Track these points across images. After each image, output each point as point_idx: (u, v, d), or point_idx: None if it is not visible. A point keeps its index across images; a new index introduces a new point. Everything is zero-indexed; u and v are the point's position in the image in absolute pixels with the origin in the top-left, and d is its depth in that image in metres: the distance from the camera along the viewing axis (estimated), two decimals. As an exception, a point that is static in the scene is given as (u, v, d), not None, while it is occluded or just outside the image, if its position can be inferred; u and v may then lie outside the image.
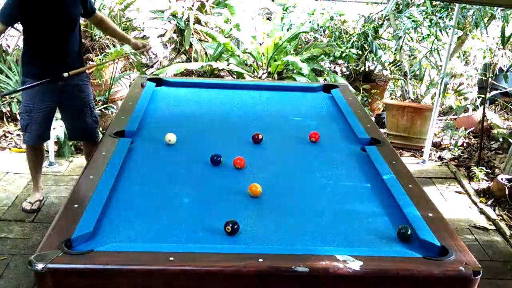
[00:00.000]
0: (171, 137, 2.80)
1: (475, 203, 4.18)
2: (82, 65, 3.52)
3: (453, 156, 5.08)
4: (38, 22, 3.22)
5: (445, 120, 5.67)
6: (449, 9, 5.18)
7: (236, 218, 1.98)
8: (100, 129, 4.20)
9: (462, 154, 5.13)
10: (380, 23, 5.99)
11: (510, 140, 4.94)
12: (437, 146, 5.30)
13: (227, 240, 1.93)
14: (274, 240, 1.97)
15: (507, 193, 4.10)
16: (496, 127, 5.42)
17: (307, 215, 2.18)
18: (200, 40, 6.26)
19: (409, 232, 1.97)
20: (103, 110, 4.92)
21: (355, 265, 1.75)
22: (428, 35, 5.56)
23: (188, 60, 6.34)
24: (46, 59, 3.32)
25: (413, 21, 5.37)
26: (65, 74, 3.28)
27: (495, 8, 4.94)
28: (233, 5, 6.01)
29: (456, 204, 4.20)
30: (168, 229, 2.01)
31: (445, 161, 5.02)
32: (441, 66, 5.08)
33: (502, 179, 4.21)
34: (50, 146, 4.33)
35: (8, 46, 5.71)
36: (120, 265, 1.74)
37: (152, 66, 6.43)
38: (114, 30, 3.75)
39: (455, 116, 5.66)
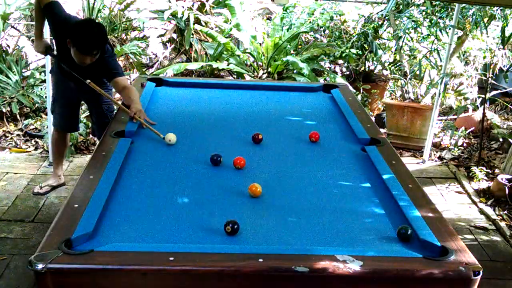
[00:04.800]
0: (171, 137, 2.80)
1: (475, 203, 4.18)
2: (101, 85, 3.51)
3: (453, 156, 5.08)
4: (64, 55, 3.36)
5: (445, 120, 5.67)
6: (449, 9, 5.17)
7: (236, 218, 1.99)
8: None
9: (462, 154, 5.13)
10: (380, 23, 5.99)
11: (510, 140, 4.94)
12: (437, 146, 5.30)
13: (227, 240, 1.93)
14: (274, 240, 1.97)
15: (507, 193, 4.10)
16: (496, 127, 5.42)
17: (307, 215, 2.18)
18: (200, 40, 6.26)
19: (409, 232, 1.98)
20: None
21: (355, 265, 1.75)
22: (428, 35, 5.55)
23: (188, 60, 6.34)
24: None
25: (413, 21, 5.37)
26: (88, 81, 3.31)
27: (495, 8, 4.94)
28: (233, 5, 6.00)
29: (456, 204, 4.19)
30: (168, 229, 2.01)
31: (445, 161, 5.02)
32: (441, 66, 5.08)
33: (502, 179, 4.21)
34: (50, 146, 4.33)
35: (8, 46, 5.71)
36: (120, 265, 1.74)
37: (152, 66, 6.43)
38: (129, 99, 3.23)
39: (455, 116, 5.66)
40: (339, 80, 5.48)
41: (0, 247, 3.27)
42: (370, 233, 2.05)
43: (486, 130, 5.41)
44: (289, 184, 2.46)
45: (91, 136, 4.77)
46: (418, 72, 5.56)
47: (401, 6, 5.54)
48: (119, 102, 3.37)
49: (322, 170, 2.62)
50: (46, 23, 3.52)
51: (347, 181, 2.52)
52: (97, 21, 4.10)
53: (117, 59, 3.80)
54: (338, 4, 6.39)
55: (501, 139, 5.19)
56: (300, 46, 6.28)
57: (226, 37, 5.90)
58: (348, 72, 6.14)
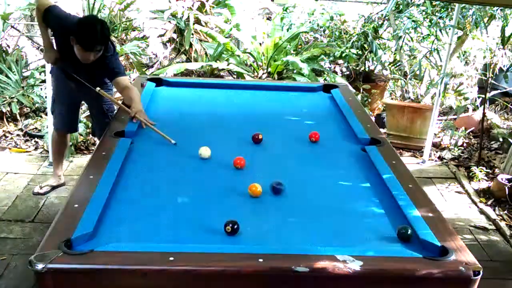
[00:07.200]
0: (204, 151, 2.63)
1: (475, 203, 4.18)
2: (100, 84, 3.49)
3: (453, 156, 5.08)
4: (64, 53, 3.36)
5: (445, 120, 5.67)
6: (449, 9, 5.17)
7: (236, 218, 1.98)
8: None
9: (462, 154, 5.13)
10: (380, 23, 5.99)
11: (510, 140, 4.94)
12: (437, 146, 5.30)
13: (227, 240, 1.93)
14: (274, 240, 1.97)
15: (507, 193, 4.09)
16: (496, 127, 5.42)
17: (307, 215, 2.18)
18: (200, 40, 6.25)
19: (409, 232, 1.98)
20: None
21: (355, 265, 1.75)
22: (428, 35, 5.56)
23: (188, 60, 6.34)
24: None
25: (413, 21, 5.37)
26: (97, 89, 3.29)
27: (495, 8, 4.94)
28: (233, 5, 6.00)
29: (456, 204, 4.19)
30: (168, 229, 2.02)
31: (445, 161, 5.02)
32: (441, 66, 5.08)
33: (502, 179, 4.21)
34: (50, 146, 4.33)
35: (8, 46, 5.70)
36: (120, 265, 1.74)
37: (152, 66, 6.43)
38: (130, 99, 3.21)
39: (455, 116, 5.66)
40: (339, 80, 5.47)
41: (0, 247, 3.27)
42: (370, 233, 2.05)
43: (486, 130, 5.40)
44: (289, 184, 2.45)
45: (91, 136, 4.77)
46: (418, 72, 5.56)
47: (401, 6, 5.54)
48: (119, 102, 3.37)
49: (322, 170, 2.62)
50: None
51: (347, 181, 2.52)
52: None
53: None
54: (338, 4, 6.39)
55: (501, 139, 5.19)
56: (300, 46, 6.28)
57: (226, 37, 5.90)
58: (348, 72, 6.14)
